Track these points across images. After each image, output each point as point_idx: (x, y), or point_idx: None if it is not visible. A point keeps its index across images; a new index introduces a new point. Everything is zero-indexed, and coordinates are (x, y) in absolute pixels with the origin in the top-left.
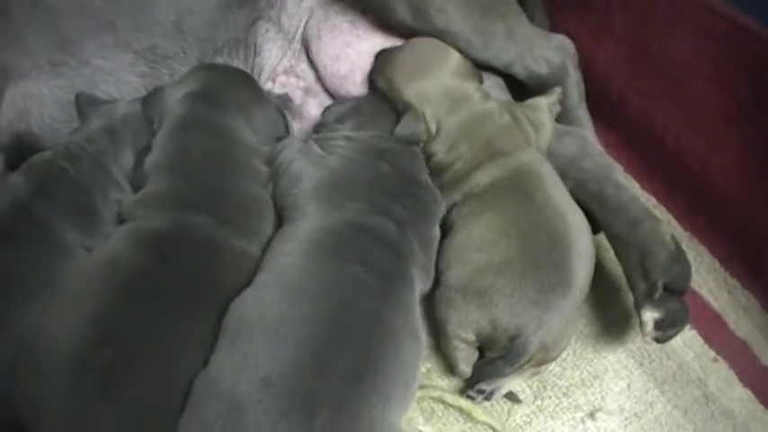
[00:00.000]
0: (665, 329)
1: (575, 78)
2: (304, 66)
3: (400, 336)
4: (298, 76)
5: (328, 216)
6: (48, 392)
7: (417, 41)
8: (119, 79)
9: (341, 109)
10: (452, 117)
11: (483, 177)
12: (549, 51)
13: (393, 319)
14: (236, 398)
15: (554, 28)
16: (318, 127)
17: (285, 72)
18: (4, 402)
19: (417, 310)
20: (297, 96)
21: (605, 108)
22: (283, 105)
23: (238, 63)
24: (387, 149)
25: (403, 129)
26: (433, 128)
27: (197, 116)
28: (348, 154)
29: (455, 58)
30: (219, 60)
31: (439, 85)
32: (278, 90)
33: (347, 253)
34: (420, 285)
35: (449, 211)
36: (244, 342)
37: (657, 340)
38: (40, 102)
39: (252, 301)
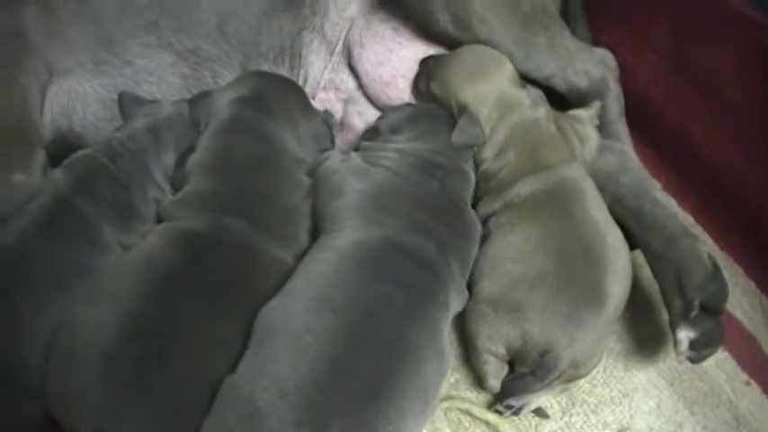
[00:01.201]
0: (700, 350)
1: (615, 92)
2: (344, 76)
3: (423, 354)
4: (337, 89)
5: (367, 231)
6: (80, 385)
7: (471, 47)
8: (161, 79)
9: (397, 117)
10: (504, 122)
11: (525, 188)
12: (590, 65)
13: (417, 337)
14: (254, 404)
15: (595, 41)
16: (372, 135)
17: (325, 87)
18: (38, 393)
19: (447, 330)
20: (337, 110)
21: (644, 122)
22: (328, 120)
23: (284, 72)
24: (440, 165)
25: (460, 133)
26: (487, 131)
27: (244, 120)
28: (397, 168)
29: (509, 64)
30: (265, 67)
31: (495, 90)
32: (318, 106)
33: (379, 269)
34: (455, 305)
35: (487, 220)
36: (267, 349)
37: (691, 360)
38: (83, 99)
39: (278, 307)
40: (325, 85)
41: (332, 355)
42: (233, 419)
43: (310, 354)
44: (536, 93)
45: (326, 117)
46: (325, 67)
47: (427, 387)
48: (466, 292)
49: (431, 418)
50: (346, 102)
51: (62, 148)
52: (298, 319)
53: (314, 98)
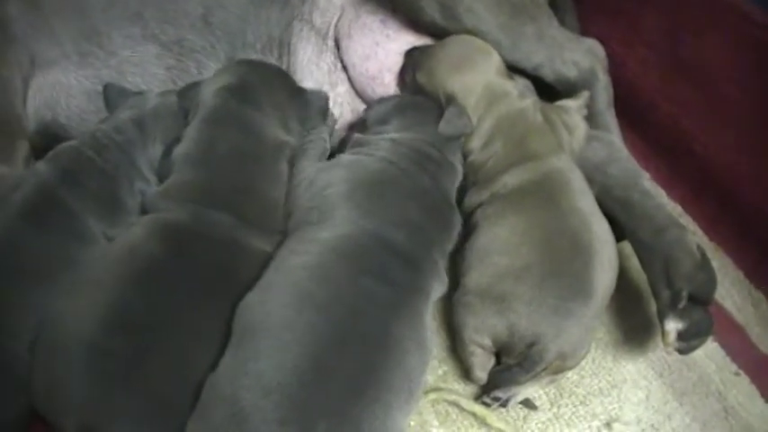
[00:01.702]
0: (688, 340)
1: (604, 83)
2: (340, 73)
3: (406, 345)
4: (333, 78)
5: (357, 223)
6: (63, 379)
7: (458, 38)
8: (145, 71)
9: (384, 108)
10: (491, 112)
11: (512, 179)
12: (578, 55)
13: (400, 331)
14: (238, 404)
15: (584, 32)
16: (359, 127)
17: (326, 70)
18: (26, 388)
19: (429, 319)
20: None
21: (634, 114)
22: (320, 102)
23: (272, 61)
24: (432, 158)
25: (447, 123)
26: (474, 121)
27: (228, 110)
28: (391, 158)
29: (496, 55)
30: (253, 57)
31: (482, 80)
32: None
33: (363, 265)
34: (436, 294)
35: (473, 211)
36: (247, 346)
37: (680, 351)
38: (67, 91)
39: (257, 303)
40: (325, 84)
41: (314, 353)
42: (218, 420)
43: (292, 351)
44: (524, 83)
45: (321, 98)
46: (318, 59)
47: (411, 378)
48: (446, 279)
49: (416, 409)
50: (339, 87)
51: (46, 139)
52: (277, 315)
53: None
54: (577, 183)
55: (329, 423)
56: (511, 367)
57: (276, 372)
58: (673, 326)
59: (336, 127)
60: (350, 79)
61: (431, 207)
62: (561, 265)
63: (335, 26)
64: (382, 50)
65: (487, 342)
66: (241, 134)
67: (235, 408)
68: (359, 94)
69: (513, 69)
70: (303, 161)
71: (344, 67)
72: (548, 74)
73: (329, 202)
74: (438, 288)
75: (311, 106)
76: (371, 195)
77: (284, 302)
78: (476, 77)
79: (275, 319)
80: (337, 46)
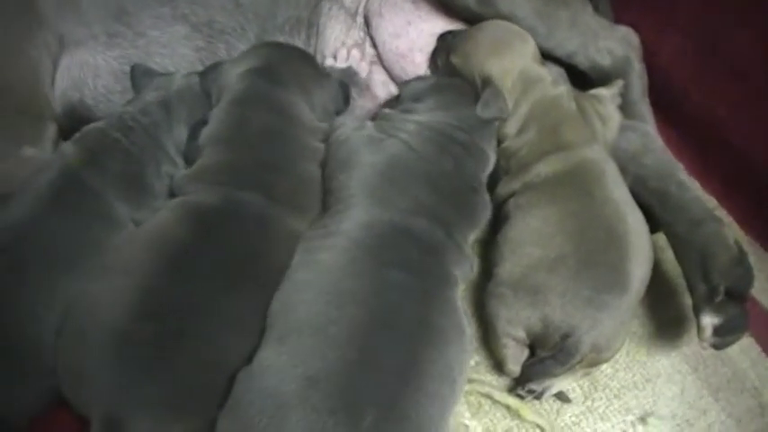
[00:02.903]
0: (724, 335)
1: (638, 71)
2: (368, 46)
3: (446, 334)
4: (364, 52)
5: (373, 213)
6: (91, 363)
7: (495, 22)
8: (174, 52)
9: (421, 86)
10: (527, 97)
11: (545, 168)
12: (613, 43)
13: (437, 320)
14: (282, 396)
15: (617, 20)
16: (392, 102)
17: (354, 45)
18: (51, 372)
19: (460, 304)
20: (362, 69)
21: (667, 104)
22: (348, 79)
23: (299, 42)
24: (458, 142)
25: (485, 106)
26: (510, 105)
27: (256, 91)
28: (412, 141)
29: (532, 41)
30: (280, 39)
31: (518, 64)
32: (343, 63)
33: (390, 257)
34: (464, 277)
35: (506, 201)
36: (291, 341)
37: (715, 346)
38: (94, 72)
39: (298, 302)
40: (354, 44)
41: (359, 344)
42: (257, 413)
43: (338, 343)
44: (558, 71)
45: (349, 75)
46: (350, 29)
47: (453, 367)
48: (474, 261)
49: (461, 398)
50: (371, 64)
51: (72, 120)
52: (319, 311)
53: (335, 57)
54: (611, 173)
55: (377, 411)
56: (545, 359)
57: (324, 363)
58: (709, 321)
59: (363, 103)
60: (379, 56)
61: (451, 192)
62: (596, 257)
63: (365, 4)
64: (414, 29)
65: (521, 334)
66: (271, 114)
67: (278, 400)
68: (387, 71)
69: (547, 57)
70: (338, 126)
71: (374, 45)
72: (582, 61)
73: (346, 188)
74: (466, 272)
75: (337, 89)
76: (385, 183)
77: (323, 299)
78: (513, 62)
79: (320, 316)
80: (367, 23)
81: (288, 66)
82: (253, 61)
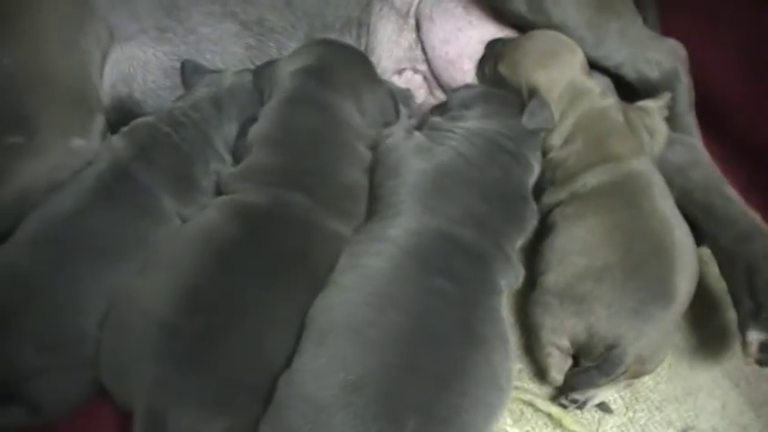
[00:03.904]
0: None
1: (685, 84)
2: (419, 53)
3: (490, 342)
4: (425, 78)
5: (421, 220)
6: (135, 356)
7: (545, 32)
8: (224, 49)
9: (469, 94)
10: (574, 109)
11: (592, 179)
12: (661, 55)
13: (481, 328)
14: (324, 401)
15: (663, 33)
16: (439, 109)
17: (413, 69)
18: (93, 363)
19: (504, 313)
20: (419, 95)
21: (711, 118)
22: (403, 101)
23: (350, 42)
24: (506, 151)
25: (531, 117)
26: (557, 117)
27: (306, 92)
28: (462, 148)
29: (581, 53)
30: (331, 37)
31: (566, 76)
32: (401, 84)
33: (435, 265)
34: (509, 288)
35: (551, 210)
36: (330, 345)
37: (760, 363)
38: (144, 67)
39: (337, 303)
40: (404, 61)
41: (401, 350)
42: (299, 419)
43: (379, 348)
44: (604, 81)
45: (405, 97)
46: (400, 34)
47: (500, 374)
48: (521, 270)
49: (507, 405)
50: (429, 94)
51: (120, 115)
52: (359, 314)
53: (400, 75)
54: (658, 186)
55: (420, 416)
56: (589, 369)
57: (366, 368)
58: (755, 337)
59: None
60: (428, 61)
61: (500, 200)
62: (642, 268)
63: (417, 7)
64: (464, 36)
65: (565, 343)
66: (320, 116)
67: (320, 405)
68: (436, 76)
69: (594, 67)
70: (387, 135)
71: (424, 48)
72: (629, 73)
73: (395, 194)
74: (511, 280)
75: (389, 99)
76: (435, 190)
77: (365, 303)
78: (561, 73)
79: (358, 317)
80: (418, 26)
81: (341, 67)
82: (306, 60)
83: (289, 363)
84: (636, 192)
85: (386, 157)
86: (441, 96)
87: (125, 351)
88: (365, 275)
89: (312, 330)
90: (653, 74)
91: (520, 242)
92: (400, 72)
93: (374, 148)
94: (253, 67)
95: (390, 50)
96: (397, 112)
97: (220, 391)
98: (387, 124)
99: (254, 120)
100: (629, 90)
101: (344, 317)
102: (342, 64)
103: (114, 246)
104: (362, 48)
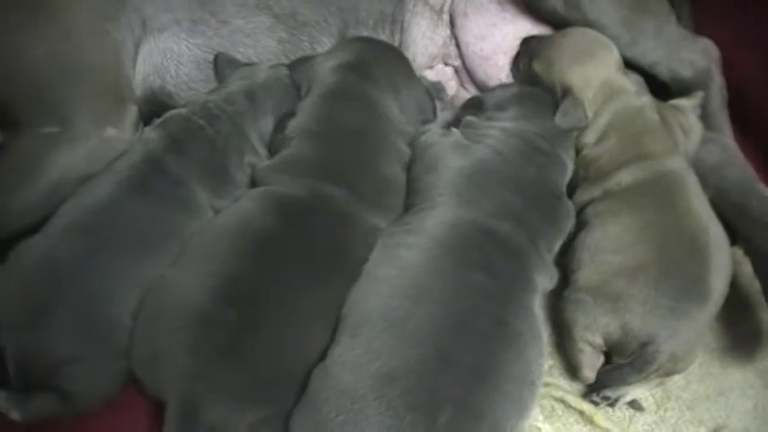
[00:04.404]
0: None
1: (718, 84)
2: (453, 48)
3: (524, 338)
4: (456, 70)
5: (458, 213)
6: (169, 347)
7: (580, 29)
8: (257, 42)
9: (504, 95)
10: (608, 107)
11: (626, 177)
12: (694, 54)
13: (515, 323)
14: (358, 392)
15: (695, 31)
16: (475, 109)
17: (444, 62)
18: (125, 353)
19: (538, 310)
20: (450, 87)
21: (740, 118)
22: (435, 94)
23: (383, 38)
24: (541, 151)
25: (563, 116)
26: (590, 115)
27: (348, 86)
28: (499, 147)
29: (617, 51)
30: (364, 34)
31: (601, 74)
32: (432, 77)
33: (471, 258)
34: (544, 286)
35: (584, 207)
36: (365, 336)
37: None
38: (177, 59)
39: (373, 295)
40: (438, 57)
41: (436, 341)
42: (332, 410)
43: (415, 340)
44: (637, 79)
45: (437, 90)
46: (435, 30)
47: (532, 370)
48: (555, 272)
49: (539, 401)
50: (461, 87)
51: (153, 106)
52: (395, 306)
53: (431, 68)
54: (693, 185)
55: (454, 408)
56: (622, 367)
57: (401, 359)
58: None
59: (445, 116)
60: (461, 57)
61: (536, 199)
62: (677, 267)
63: (451, 3)
64: (499, 32)
65: (598, 341)
66: (361, 110)
67: (354, 396)
68: (469, 72)
69: (627, 65)
70: (424, 131)
71: (458, 44)
72: (662, 72)
73: (433, 188)
74: (546, 281)
75: (426, 96)
76: (472, 185)
77: (401, 294)
78: (595, 71)
79: (394, 310)
80: (452, 22)
81: (381, 63)
82: (346, 55)
83: (323, 355)
84: (670, 190)
85: (423, 153)
86: (471, 90)
87: (158, 341)
88: (401, 267)
89: (347, 322)
90: (686, 73)
91: (558, 243)
92: (432, 66)
93: (411, 144)
94: (286, 60)
95: (425, 47)
96: (434, 109)
97: (254, 383)
98: (424, 121)
99: (291, 114)
100: (659, 89)
101: (380, 308)
102: (382, 61)
103: (147, 236)
104: (396, 45)
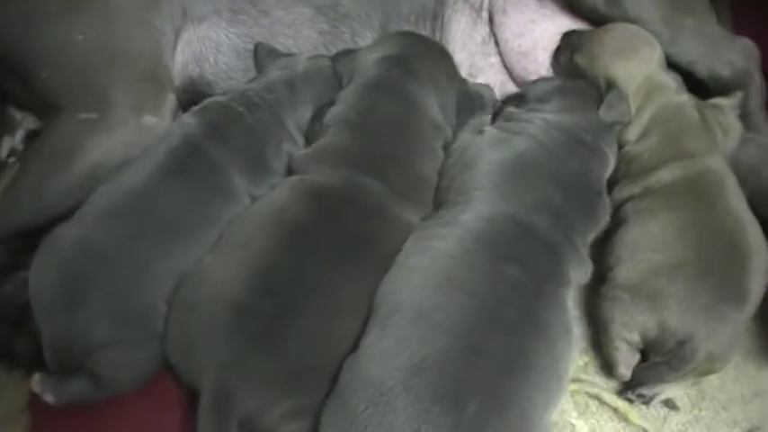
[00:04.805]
0: None
1: (757, 84)
2: (494, 40)
3: (553, 331)
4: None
5: (497, 207)
6: (205, 334)
7: (623, 25)
8: (298, 33)
9: (547, 87)
10: (650, 103)
11: (666, 175)
12: (734, 54)
13: (546, 316)
14: (386, 384)
15: (734, 31)
16: (518, 101)
17: (482, 55)
18: (155, 339)
19: (570, 305)
20: (495, 82)
21: None
22: (481, 100)
23: (424, 33)
24: (584, 144)
25: (608, 109)
26: (633, 111)
27: (390, 80)
28: (541, 138)
29: (660, 48)
30: (405, 28)
31: (644, 70)
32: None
33: (506, 251)
34: (577, 280)
35: (623, 204)
36: (395, 327)
37: None
38: (216, 48)
39: (404, 285)
40: (478, 54)
41: (466, 333)
42: (361, 402)
43: (444, 331)
44: (674, 77)
45: (486, 91)
46: (474, 28)
47: (560, 363)
48: (589, 266)
49: (564, 397)
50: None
51: (191, 95)
52: (425, 296)
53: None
54: (732, 185)
55: (481, 400)
56: (659, 365)
57: (429, 350)
58: None
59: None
60: (500, 54)
61: (576, 193)
62: (716, 266)
63: (490, 0)
64: (538, 28)
65: (635, 338)
66: (401, 104)
67: (382, 387)
68: (508, 69)
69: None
70: (462, 133)
71: (497, 42)
72: (701, 71)
73: (467, 185)
74: (580, 275)
75: (472, 99)
76: (513, 178)
77: (432, 285)
78: (639, 67)
79: (425, 301)
80: (491, 19)
81: (425, 60)
82: (390, 49)
83: (356, 346)
84: (710, 190)
85: (460, 154)
86: (511, 87)
87: (193, 329)
88: (433, 258)
89: (378, 313)
90: (725, 72)
91: (591, 237)
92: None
93: (446, 147)
94: (327, 52)
95: (464, 44)
96: (473, 112)
97: (288, 373)
98: (462, 123)
99: (330, 104)
100: (695, 89)
101: (410, 298)
102: (426, 57)
103: (184, 222)
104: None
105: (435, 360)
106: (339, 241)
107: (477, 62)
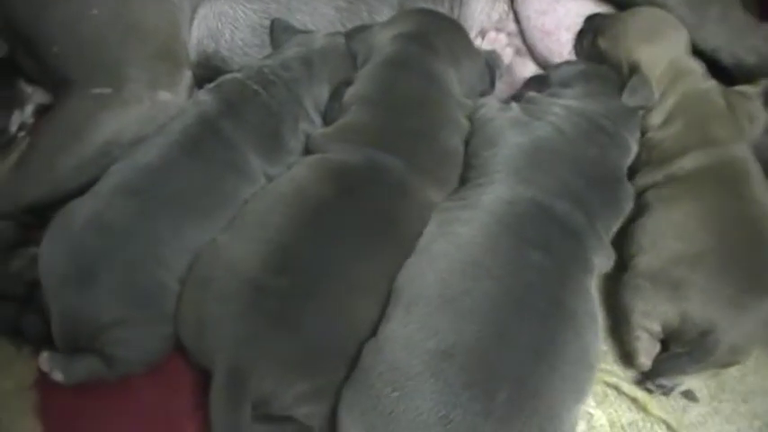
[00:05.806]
0: None
1: None
2: (514, 25)
3: (581, 320)
4: (508, 34)
5: (516, 190)
6: (220, 313)
7: (649, 9)
8: (315, 10)
9: (569, 71)
10: (675, 88)
11: (690, 162)
12: (759, 41)
13: (572, 303)
14: (413, 369)
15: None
16: (539, 85)
17: (496, 29)
18: (168, 317)
19: (594, 292)
20: (506, 54)
21: None
22: (491, 62)
23: (442, 11)
24: (605, 131)
25: (631, 94)
26: (657, 95)
27: (409, 56)
28: (561, 125)
29: (686, 32)
30: (422, 5)
31: (669, 54)
32: (486, 46)
33: (529, 236)
34: (600, 267)
35: (645, 191)
36: (421, 312)
37: None
38: (232, 23)
39: (428, 271)
40: (497, 27)
41: (495, 319)
42: (385, 385)
43: (472, 317)
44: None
45: (491, 58)
46: (493, 8)
47: (589, 352)
48: (612, 253)
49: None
50: (516, 51)
51: (206, 71)
52: (452, 282)
53: (483, 37)
54: (756, 174)
55: (511, 387)
56: (681, 355)
57: (458, 337)
58: None
59: (502, 87)
60: (521, 32)
61: (596, 179)
62: (740, 256)
63: None
64: (562, 8)
65: (656, 328)
66: (422, 80)
67: (409, 372)
68: (529, 48)
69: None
70: (483, 105)
71: (517, 19)
72: (726, 57)
73: (490, 164)
74: (603, 262)
75: (485, 68)
76: (532, 162)
77: (458, 271)
78: (664, 51)
79: (452, 286)
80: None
81: (442, 35)
82: (406, 26)
83: (373, 328)
84: (734, 179)
85: (482, 128)
86: (527, 58)
87: (207, 307)
88: (457, 244)
89: (401, 297)
90: (750, 59)
91: (615, 225)
92: (483, 34)
93: (469, 118)
94: (343, 29)
95: (482, 22)
96: (493, 83)
97: (304, 353)
98: (482, 94)
99: (348, 82)
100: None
101: (436, 285)
102: (442, 32)
103: (198, 200)
104: (455, 18)
105: (465, 346)
106: (360, 221)
107: (499, 47)
